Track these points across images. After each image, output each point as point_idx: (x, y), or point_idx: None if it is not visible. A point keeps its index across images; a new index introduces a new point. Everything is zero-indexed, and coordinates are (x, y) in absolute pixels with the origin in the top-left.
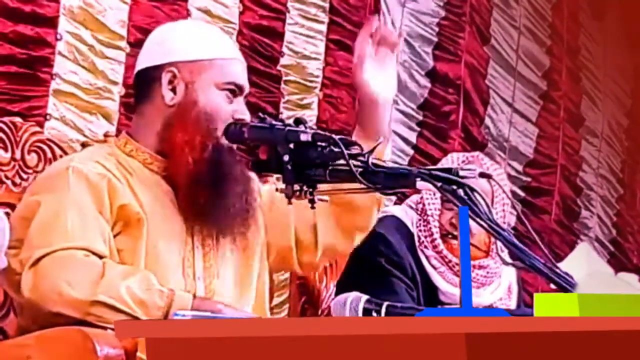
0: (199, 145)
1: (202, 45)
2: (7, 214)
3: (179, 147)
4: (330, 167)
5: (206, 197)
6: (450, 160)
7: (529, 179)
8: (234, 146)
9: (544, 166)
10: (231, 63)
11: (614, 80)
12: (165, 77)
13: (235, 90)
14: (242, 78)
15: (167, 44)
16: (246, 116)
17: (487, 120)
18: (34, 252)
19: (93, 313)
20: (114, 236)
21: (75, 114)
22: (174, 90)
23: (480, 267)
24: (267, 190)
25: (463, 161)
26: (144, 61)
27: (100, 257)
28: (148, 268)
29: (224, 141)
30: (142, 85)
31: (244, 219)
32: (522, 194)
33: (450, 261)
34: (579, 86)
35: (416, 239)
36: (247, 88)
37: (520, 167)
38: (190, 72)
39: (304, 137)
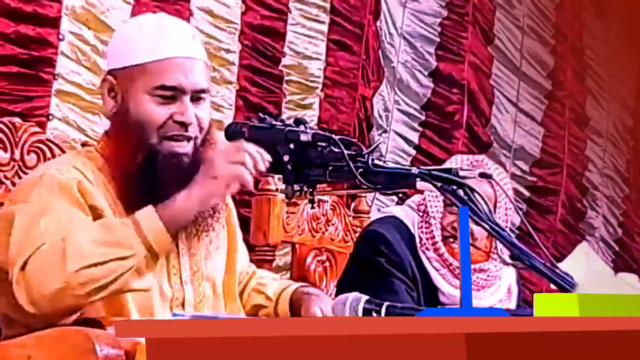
0: (133, 154)
1: (135, 49)
2: None
3: (117, 156)
4: (330, 167)
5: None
6: (454, 163)
7: (535, 179)
8: (176, 150)
9: (551, 166)
10: (163, 64)
11: (618, 80)
12: (104, 86)
13: (167, 94)
14: (176, 79)
15: (109, 48)
16: (186, 117)
17: (493, 120)
18: (16, 263)
19: (80, 285)
20: None
21: (78, 114)
22: (115, 98)
23: (481, 270)
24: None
25: (467, 164)
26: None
27: None
28: None
29: (160, 147)
30: None
31: (214, 217)
32: (527, 193)
33: (451, 264)
34: (583, 86)
35: (417, 240)
36: (188, 87)
37: (526, 167)
38: (124, 80)
39: (304, 137)
